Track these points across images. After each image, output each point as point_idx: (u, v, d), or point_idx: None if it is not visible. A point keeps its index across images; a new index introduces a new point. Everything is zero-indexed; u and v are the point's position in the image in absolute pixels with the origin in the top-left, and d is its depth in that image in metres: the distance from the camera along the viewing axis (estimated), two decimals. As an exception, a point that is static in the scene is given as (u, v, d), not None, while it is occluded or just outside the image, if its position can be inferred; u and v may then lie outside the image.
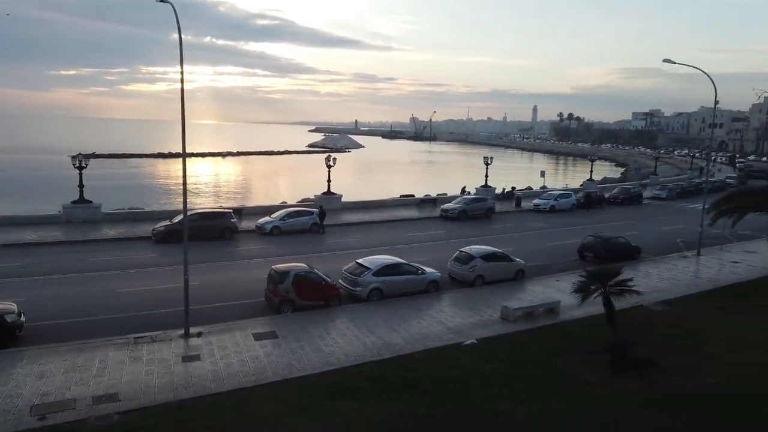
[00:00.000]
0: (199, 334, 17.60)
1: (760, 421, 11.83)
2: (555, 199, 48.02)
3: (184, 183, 17.73)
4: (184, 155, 17.64)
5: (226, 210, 34.95)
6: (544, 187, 62.48)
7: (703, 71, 31.44)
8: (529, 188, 63.92)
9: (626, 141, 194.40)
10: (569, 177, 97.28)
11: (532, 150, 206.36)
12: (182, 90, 16.69)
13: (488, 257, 25.36)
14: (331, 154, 43.97)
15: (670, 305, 22.29)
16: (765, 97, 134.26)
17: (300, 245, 31.54)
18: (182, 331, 17.54)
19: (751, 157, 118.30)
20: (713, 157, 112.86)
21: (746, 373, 14.92)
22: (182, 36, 16.34)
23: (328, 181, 43.07)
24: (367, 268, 22.29)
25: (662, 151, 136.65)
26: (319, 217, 35.47)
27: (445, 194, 54.92)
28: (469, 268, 24.87)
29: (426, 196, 53.19)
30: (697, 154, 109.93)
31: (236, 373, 14.96)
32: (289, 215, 35.24)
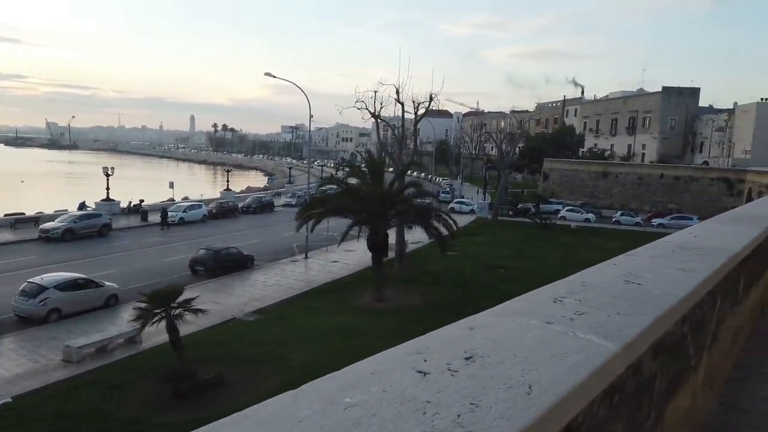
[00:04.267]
0: None
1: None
2: (184, 211, 45.98)
3: None
4: None
5: None
6: (186, 198, 59.82)
7: (299, 87, 34.08)
8: (171, 200, 60.27)
9: (276, 152, 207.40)
10: (217, 187, 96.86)
11: (188, 160, 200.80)
12: None
13: (66, 286, 21.48)
14: None
15: (263, 313, 22.69)
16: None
17: None
18: None
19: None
20: (340, 167, 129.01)
21: (298, 377, 15.54)
22: None
23: None
24: None
25: (305, 161, 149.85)
26: None
27: (66, 210, 46.81)
28: (38, 302, 20.52)
29: (38, 213, 44.22)
30: (330, 164, 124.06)
31: None
32: None
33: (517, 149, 58.73)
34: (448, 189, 76.68)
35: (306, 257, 33.71)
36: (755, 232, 4.48)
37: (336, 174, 60.65)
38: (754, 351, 4.45)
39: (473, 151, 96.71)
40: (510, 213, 57.09)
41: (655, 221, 51.03)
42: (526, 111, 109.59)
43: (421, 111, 32.50)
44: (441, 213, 25.59)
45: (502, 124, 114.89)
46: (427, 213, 24.23)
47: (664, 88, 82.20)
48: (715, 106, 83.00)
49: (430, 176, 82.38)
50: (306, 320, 21.49)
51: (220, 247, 30.37)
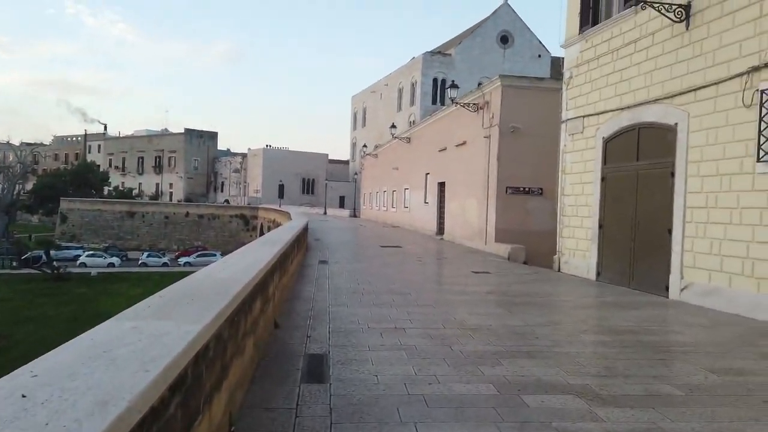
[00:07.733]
0: None
1: None
2: None
3: None
4: None
5: None
6: None
7: None
8: None
9: None
10: None
11: None
12: None
13: None
14: None
15: None
16: None
17: None
18: None
19: None
20: None
21: None
22: None
23: None
24: None
25: None
26: None
27: None
28: None
29: None
30: None
31: None
32: None
33: (24, 187, 49.55)
34: None
35: None
36: (208, 317, 2.56)
37: None
38: None
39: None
40: (14, 264, 47.37)
41: (182, 260, 51.50)
42: (41, 144, 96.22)
43: None
44: None
45: (11, 157, 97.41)
46: None
47: (186, 129, 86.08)
48: (232, 150, 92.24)
49: None
50: None
51: None
